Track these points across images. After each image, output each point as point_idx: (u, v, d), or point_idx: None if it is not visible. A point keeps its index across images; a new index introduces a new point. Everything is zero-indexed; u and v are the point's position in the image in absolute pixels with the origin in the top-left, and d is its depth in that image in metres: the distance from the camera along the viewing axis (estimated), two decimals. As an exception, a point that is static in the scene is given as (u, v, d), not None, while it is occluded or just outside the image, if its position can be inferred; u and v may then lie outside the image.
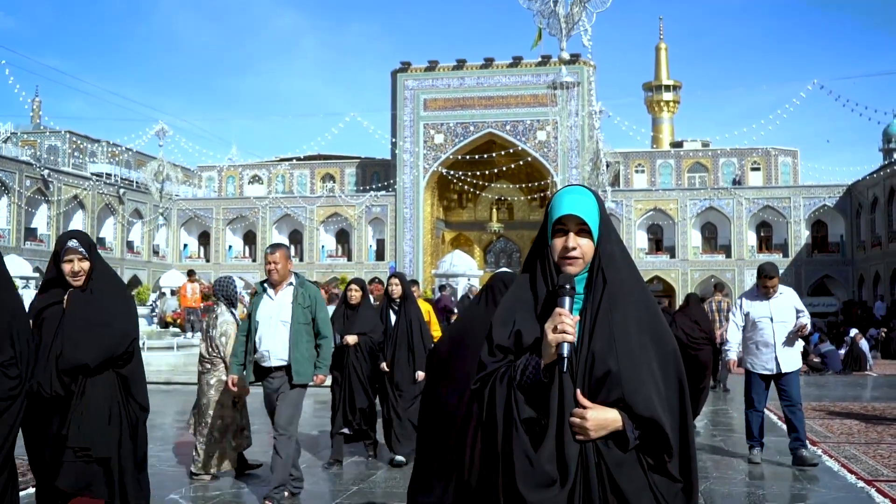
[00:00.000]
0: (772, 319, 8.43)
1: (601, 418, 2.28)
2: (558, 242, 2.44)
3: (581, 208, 2.42)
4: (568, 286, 2.34)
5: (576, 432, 2.28)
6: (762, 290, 8.58)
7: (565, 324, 2.26)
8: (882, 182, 45.90)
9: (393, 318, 8.74)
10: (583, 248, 2.42)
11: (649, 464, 2.33)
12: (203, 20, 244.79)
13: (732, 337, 8.86)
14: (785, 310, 8.48)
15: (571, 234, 2.41)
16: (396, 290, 8.77)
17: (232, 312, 8.03)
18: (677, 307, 32.68)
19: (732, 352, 8.88)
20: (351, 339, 8.35)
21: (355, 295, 8.55)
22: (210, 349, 7.84)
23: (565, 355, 2.24)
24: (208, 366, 7.85)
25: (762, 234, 52.60)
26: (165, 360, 18.84)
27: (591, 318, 2.37)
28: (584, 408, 2.28)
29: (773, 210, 50.81)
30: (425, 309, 10.80)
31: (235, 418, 7.84)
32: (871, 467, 7.91)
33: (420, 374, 8.33)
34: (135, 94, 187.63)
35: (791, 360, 8.46)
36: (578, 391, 2.30)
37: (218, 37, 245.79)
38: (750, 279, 50.06)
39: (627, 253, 2.52)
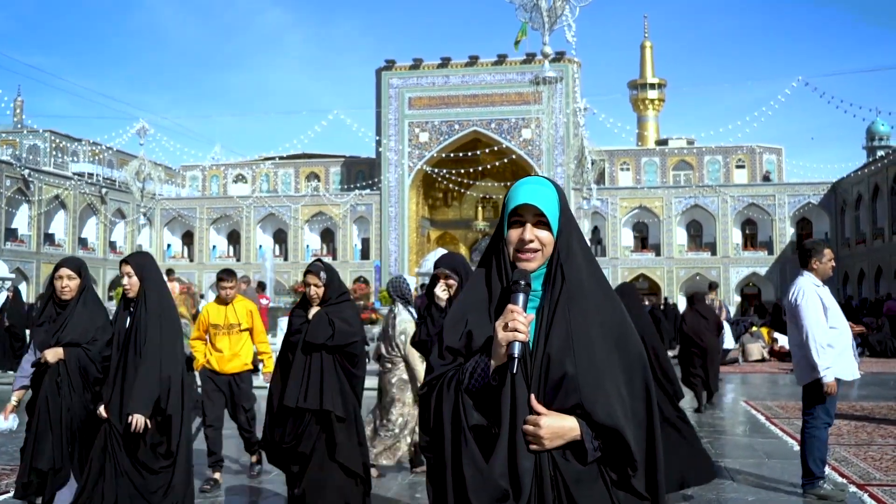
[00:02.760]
0: (843, 311, 6.68)
1: (556, 426, 2.07)
2: (514, 234, 2.22)
3: (539, 198, 2.20)
4: (523, 282, 2.13)
5: (529, 441, 2.07)
6: (825, 271, 6.71)
7: (517, 321, 2.05)
8: (867, 179, 45.99)
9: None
10: (541, 240, 2.20)
11: (612, 479, 2.12)
12: (188, 16, 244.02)
13: (824, 341, 6.48)
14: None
15: (528, 226, 2.20)
16: (131, 283, 5.16)
17: (409, 311, 7.92)
18: (662, 304, 32.66)
19: (831, 370, 6.46)
20: (51, 354, 5.34)
21: (69, 285, 5.45)
22: (389, 349, 7.78)
23: (516, 355, 2.04)
24: (388, 365, 7.79)
25: (747, 231, 52.66)
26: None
27: (548, 317, 2.16)
28: (539, 414, 2.07)
29: (757, 208, 50.85)
30: (246, 309, 8.03)
31: (414, 415, 7.76)
32: (862, 470, 7.67)
33: (137, 419, 4.80)
34: (118, 92, 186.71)
35: None
36: (532, 396, 2.09)
37: (203, 33, 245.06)
38: (736, 277, 50.13)
39: (588, 248, 2.30)
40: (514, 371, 2.04)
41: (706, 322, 12.97)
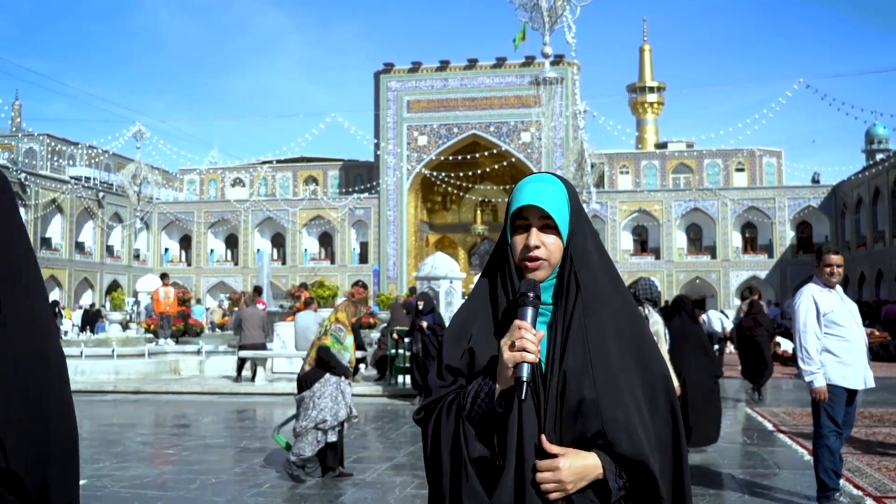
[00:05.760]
0: (852, 316, 6.46)
1: (578, 466, 1.80)
2: (518, 241, 1.95)
3: (544, 198, 1.92)
4: (531, 294, 1.86)
5: (549, 490, 1.79)
6: (827, 276, 6.43)
7: (525, 340, 1.78)
8: (867, 182, 45.79)
9: None
10: (548, 246, 1.93)
11: None
12: (186, 19, 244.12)
13: (814, 350, 6.29)
14: (852, 304, 6.59)
15: (534, 230, 1.93)
16: None
17: (658, 313, 8.11)
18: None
19: (820, 377, 6.26)
20: None
21: None
22: None
23: (524, 379, 1.77)
24: None
25: (747, 234, 52.47)
26: (135, 367, 18.19)
27: (563, 334, 1.88)
28: (554, 456, 1.80)
29: (757, 211, 50.68)
30: None
31: None
32: (877, 482, 7.39)
33: None
34: (116, 96, 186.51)
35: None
36: (544, 438, 1.81)
37: (201, 36, 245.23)
38: (736, 280, 49.89)
39: (605, 252, 2.02)
40: (524, 397, 1.79)
41: (760, 326, 15.52)
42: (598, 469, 1.81)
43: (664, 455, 1.86)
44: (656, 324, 7.74)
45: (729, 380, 17.41)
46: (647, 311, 7.83)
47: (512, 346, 1.79)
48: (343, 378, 7.85)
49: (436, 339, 13.73)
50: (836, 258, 6.44)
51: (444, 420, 1.90)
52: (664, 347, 7.68)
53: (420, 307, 14.47)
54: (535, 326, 1.83)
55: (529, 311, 1.84)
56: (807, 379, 6.31)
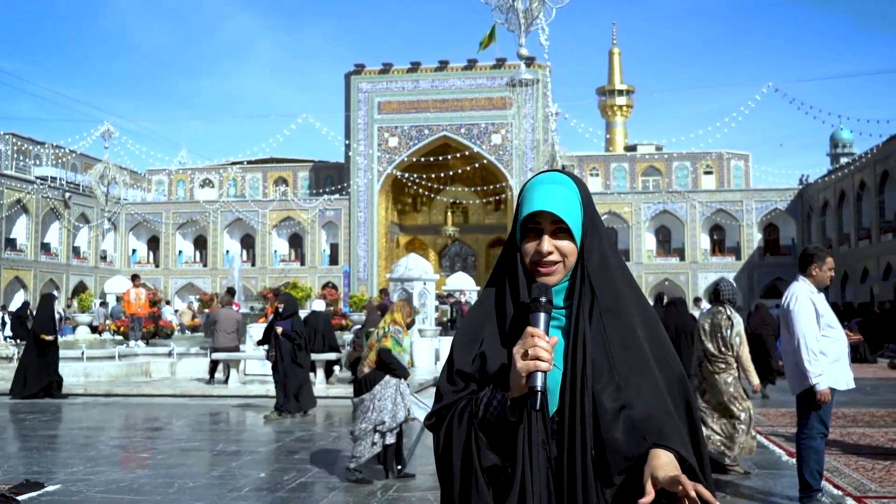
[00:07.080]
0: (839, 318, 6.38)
1: (670, 463, 1.71)
2: (530, 247, 1.90)
3: (557, 202, 1.88)
4: (543, 299, 1.81)
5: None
6: (823, 279, 6.42)
7: (538, 347, 1.72)
8: (832, 186, 46.41)
9: None
10: (562, 250, 1.88)
11: None
12: (155, 20, 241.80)
13: (819, 352, 6.25)
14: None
15: (546, 238, 1.88)
16: None
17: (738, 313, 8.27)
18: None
19: (825, 379, 6.21)
20: None
21: None
22: (723, 349, 8.03)
23: (538, 388, 1.71)
24: (722, 365, 8.03)
25: (715, 237, 52.98)
26: (106, 370, 17.93)
27: (582, 339, 1.84)
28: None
29: (725, 213, 51.18)
30: None
31: (751, 407, 8.12)
32: (856, 481, 7.45)
33: None
34: (85, 97, 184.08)
35: None
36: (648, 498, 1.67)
37: (171, 37, 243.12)
38: (704, 282, 50.31)
39: (618, 252, 1.99)
40: (538, 407, 1.73)
41: (767, 326, 16.33)
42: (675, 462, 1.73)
43: (691, 455, 1.80)
44: (739, 324, 8.03)
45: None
46: (729, 312, 8.12)
47: (525, 355, 1.74)
48: (402, 380, 7.89)
49: (292, 346, 12.95)
50: (832, 261, 6.57)
51: (456, 427, 1.86)
52: (746, 347, 8.03)
53: (280, 310, 13.49)
54: (548, 332, 1.79)
55: (542, 318, 1.79)
56: (813, 381, 6.21)
